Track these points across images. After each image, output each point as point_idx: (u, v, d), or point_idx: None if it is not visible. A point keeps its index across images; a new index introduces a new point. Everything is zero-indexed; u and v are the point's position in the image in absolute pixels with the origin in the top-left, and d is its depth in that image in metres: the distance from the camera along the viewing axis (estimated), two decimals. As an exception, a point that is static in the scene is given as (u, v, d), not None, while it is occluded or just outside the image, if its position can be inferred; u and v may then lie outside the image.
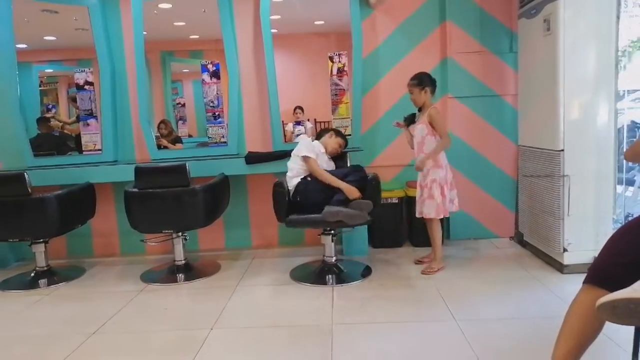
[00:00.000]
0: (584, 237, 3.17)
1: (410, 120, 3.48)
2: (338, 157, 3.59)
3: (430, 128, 3.28)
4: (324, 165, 3.42)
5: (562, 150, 3.15)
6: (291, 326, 2.66)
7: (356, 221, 3.13)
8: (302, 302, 2.99)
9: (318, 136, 3.60)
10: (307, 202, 3.24)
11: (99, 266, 3.96)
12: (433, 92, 3.36)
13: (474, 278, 3.24)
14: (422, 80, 3.33)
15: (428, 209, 3.31)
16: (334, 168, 3.49)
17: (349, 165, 3.56)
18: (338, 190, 3.20)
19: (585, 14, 3.07)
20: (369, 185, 3.26)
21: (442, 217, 3.33)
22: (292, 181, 3.34)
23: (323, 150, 3.46)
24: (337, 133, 3.58)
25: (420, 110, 3.40)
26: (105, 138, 4.02)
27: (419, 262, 3.56)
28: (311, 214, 3.18)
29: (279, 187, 3.29)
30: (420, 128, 3.32)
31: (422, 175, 3.35)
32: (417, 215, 3.42)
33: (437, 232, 3.37)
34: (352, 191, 3.17)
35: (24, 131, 3.98)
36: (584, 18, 3.07)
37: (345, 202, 3.16)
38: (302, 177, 3.32)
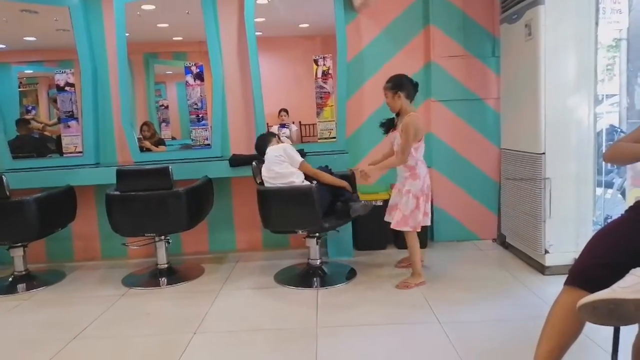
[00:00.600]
0: (565, 239, 3.21)
1: (389, 125, 3.26)
2: None
3: None
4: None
5: (543, 153, 3.19)
6: (276, 330, 2.64)
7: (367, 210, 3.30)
8: (286, 305, 2.98)
9: (263, 144, 3.38)
10: (321, 206, 3.17)
11: (80, 270, 3.90)
12: (410, 96, 3.11)
13: (457, 280, 3.26)
14: (396, 84, 3.10)
15: (395, 216, 3.17)
16: None
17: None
18: (341, 189, 3.30)
19: (565, 19, 3.12)
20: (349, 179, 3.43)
21: (414, 230, 3.14)
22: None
23: None
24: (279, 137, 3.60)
25: (398, 115, 3.19)
26: (87, 140, 3.96)
27: (401, 266, 3.53)
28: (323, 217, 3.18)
29: (313, 195, 3.09)
30: (396, 136, 3.15)
31: (401, 180, 3.22)
32: (385, 218, 3.35)
33: (414, 245, 3.15)
34: (347, 185, 3.33)
35: (2, 133, 3.91)
36: (564, 23, 3.12)
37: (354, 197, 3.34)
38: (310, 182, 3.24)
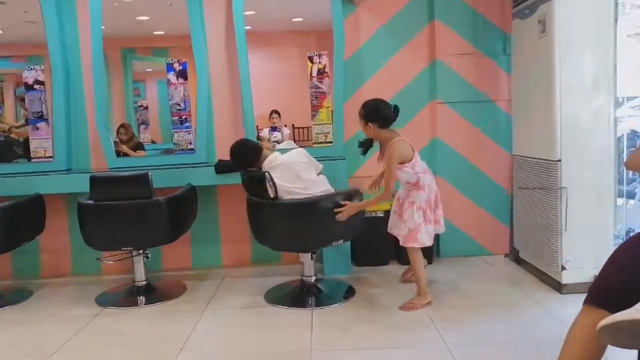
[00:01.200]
0: (583, 254, 3.22)
1: (368, 145, 3.26)
2: None
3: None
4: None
5: (559, 160, 3.21)
6: (266, 354, 2.63)
7: None
8: (278, 327, 2.97)
9: (253, 156, 3.29)
10: None
11: (48, 288, 3.88)
12: (385, 126, 3.10)
13: (465, 299, 3.26)
14: (368, 113, 3.10)
15: (399, 231, 3.21)
16: None
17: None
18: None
19: (581, 15, 3.15)
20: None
21: (424, 245, 3.15)
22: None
23: None
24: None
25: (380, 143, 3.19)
26: (57, 144, 3.95)
27: (407, 279, 3.54)
28: None
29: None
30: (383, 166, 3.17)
31: (405, 191, 3.23)
32: (388, 229, 3.40)
33: (417, 262, 3.16)
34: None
35: (-36, 135, 3.89)
36: (580, 19, 3.16)
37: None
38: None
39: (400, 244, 3.23)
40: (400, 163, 3.06)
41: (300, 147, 3.63)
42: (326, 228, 3.17)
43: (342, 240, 3.31)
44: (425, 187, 3.15)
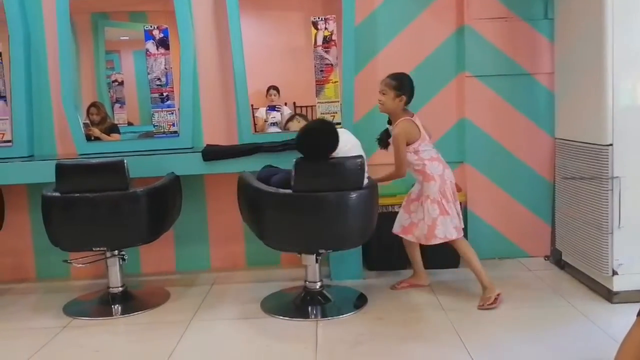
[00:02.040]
0: (639, 256, 3.20)
1: (387, 137, 3.53)
2: None
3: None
4: None
5: (611, 144, 3.19)
6: (262, 373, 2.65)
7: None
8: (277, 342, 2.98)
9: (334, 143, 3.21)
10: None
11: (8, 295, 3.90)
12: (409, 101, 3.40)
13: (498, 309, 3.26)
14: (403, 85, 3.36)
15: (421, 230, 3.39)
16: None
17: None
18: None
19: (640, -30, 3.13)
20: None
21: (449, 239, 3.35)
22: None
23: None
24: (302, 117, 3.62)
25: (389, 122, 3.47)
26: (17, 126, 3.95)
27: (401, 287, 3.64)
28: None
29: None
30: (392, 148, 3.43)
31: (417, 186, 3.46)
32: (397, 232, 3.56)
33: (467, 254, 3.40)
34: None
35: None
36: (638, -24, 3.13)
37: None
38: None
39: (423, 243, 3.41)
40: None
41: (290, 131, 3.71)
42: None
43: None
44: (436, 176, 3.33)
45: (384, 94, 3.38)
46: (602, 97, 3.21)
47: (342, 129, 3.41)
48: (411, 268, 3.78)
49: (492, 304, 3.26)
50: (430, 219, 3.33)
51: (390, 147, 3.47)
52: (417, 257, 3.63)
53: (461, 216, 3.45)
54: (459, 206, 3.44)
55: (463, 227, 3.46)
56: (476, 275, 3.37)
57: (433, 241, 3.35)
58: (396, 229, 3.57)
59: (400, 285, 3.65)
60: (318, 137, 3.19)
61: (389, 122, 3.50)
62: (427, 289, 3.60)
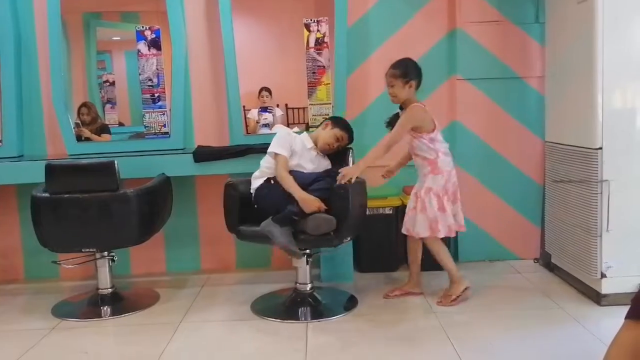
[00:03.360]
0: (628, 259, 3.22)
1: (396, 122, 3.40)
2: (338, 155, 3.53)
3: (411, 131, 3.31)
4: (308, 164, 3.39)
5: (600, 148, 3.20)
6: (252, 375, 2.64)
7: (288, 248, 3.14)
8: (267, 344, 2.98)
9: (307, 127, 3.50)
10: (263, 210, 3.25)
11: (-4, 296, 3.88)
12: (418, 86, 3.35)
13: (488, 311, 3.27)
14: (408, 71, 3.30)
15: (420, 226, 3.34)
16: (329, 167, 3.47)
17: (351, 165, 3.47)
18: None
19: (630, -24, 3.15)
20: (333, 195, 3.17)
21: (444, 236, 3.35)
22: (255, 183, 3.36)
23: (310, 144, 3.45)
24: (336, 123, 3.50)
25: (402, 108, 3.39)
26: (7, 126, 3.94)
27: (394, 295, 3.54)
28: None
29: (231, 190, 3.35)
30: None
31: (421, 179, 3.39)
32: (403, 230, 3.50)
33: (440, 252, 3.39)
34: (308, 203, 3.12)
35: None
36: (628, -19, 3.15)
37: (300, 214, 3.13)
38: (266, 179, 3.32)
39: (420, 236, 3.37)
40: (416, 131, 3.28)
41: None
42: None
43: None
44: (445, 172, 3.30)
45: (392, 85, 3.30)
46: (592, 101, 3.22)
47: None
48: (401, 270, 3.78)
49: (453, 302, 3.32)
50: (432, 213, 3.29)
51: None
52: (418, 260, 3.52)
53: (462, 218, 3.43)
54: (459, 208, 3.41)
55: (460, 230, 3.46)
56: (448, 271, 3.39)
57: (438, 235, 3.32)
58: (405, 229, 3.49)
59: (393, 294, 3.54)
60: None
61: (401, 108, 3.40)
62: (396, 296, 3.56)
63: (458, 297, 3.35)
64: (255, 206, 3.34)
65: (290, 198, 3.17)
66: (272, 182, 3.29)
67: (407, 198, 3.87)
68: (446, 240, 3.51)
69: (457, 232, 3.49)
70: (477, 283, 3.72)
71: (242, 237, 3.35)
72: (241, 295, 3.67)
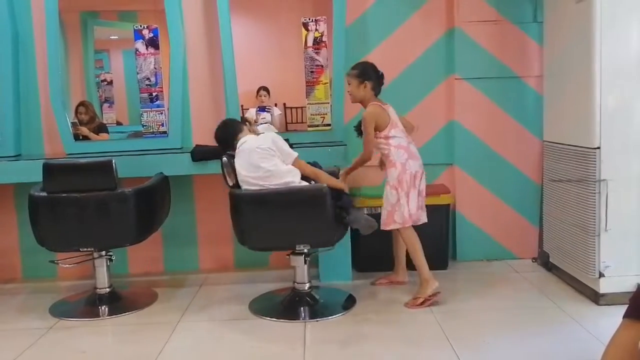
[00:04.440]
0: (626, 258, 3.22)
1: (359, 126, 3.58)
2: None
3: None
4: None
5: (598, 147, 3.21)
6: (250, 374, 2.64)
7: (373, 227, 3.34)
8: (265, 343, 2.98)
9: (230, 135, 3.39)
10: None
11: (-6, 295, 3.88)
12: (375, 88, 3.44)
13: (486, 311, 3.27)
14: (364, 72, 3.43)
15: (382, 216, 3.46)
16: None
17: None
18: (338, 191, 3.31)
19: (628, -25, 3.15)
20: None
21: (405, 225, 3.40)
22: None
23: None
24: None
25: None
26: (5, 125, 3.93)
27: (379, 283, 3.72)
28: None
29: (326, 200, 3.20)
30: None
31: None
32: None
33: (412, 244, 3.42)
34: (344, 186, 3.40)
35: None
36: (626, -19, 3.15)
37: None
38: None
39: (381, 228, 3.43)
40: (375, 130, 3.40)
41: (290, 130, 3.72)
42: (266, 226, 3.24)
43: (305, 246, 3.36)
44: (397, 164, 3.38)
45: (349, 84, 3.47)
46: (589, 101, 3.22)
47: (271, 134, 3.38)
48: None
49: (420, 305, 3.31)
50: (389, 205, 3.39)
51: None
52: (401, 252, 3.66)
53: (423, 207, 3.48)
54: (422, 200, 3.48)
55: (424, 220, 3.49)
56: (418, 267, 3.39)
57: (392, 226, 3.40)
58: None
59: (378, 282, 3.75)
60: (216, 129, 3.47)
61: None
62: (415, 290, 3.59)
63: (426, 300, 3.32)
64: None
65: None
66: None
67: (405, 197, 3.89)
68: (445, 240, 3.53)
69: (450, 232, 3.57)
70: (475, 283, 3.74)
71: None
72: (239, 294, 3.66)
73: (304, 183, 3.25)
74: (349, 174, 3.56)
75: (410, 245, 3.44)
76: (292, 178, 3.22)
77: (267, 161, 3.20)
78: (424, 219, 3.50)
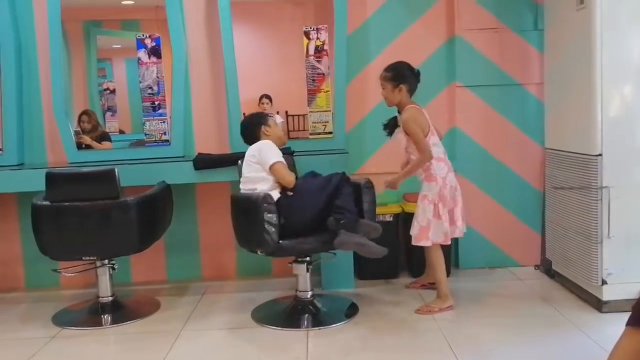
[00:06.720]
0: (629, 265, 3.22)
1: (394, 125, 3.49)
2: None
3: (406, 134, 3.34)
4: None
5: (600, 155, 3.21)
6: (253, 383, 2.64)
7: (372, 254, 3.17)
8: (267, 351, 2.98)
9: (252, 132, 3.46)
10: (293, 223, 3.20)
11: (-3, 304, 3.88)
12: (412, 89, 3.36)
13: (489, 318, 3.27)
14: (399, 74, 3.33)
15: (413, 230, 3.40)
16: None
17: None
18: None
19: (628, -17, 3.16)
20: (363, 192, 3.38)
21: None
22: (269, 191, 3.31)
23: None
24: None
25: (399, 111, 3.41)
26: (7, 134, 3.94)
27: (413, 286, 3.72)
28: (299, 236, 3.19)
29: (266, 202, 3.14)
30: (399, 138, 3.43)
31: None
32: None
33: (437, 261, 3.38)
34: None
35: None
36: (627, -11, 3.16)
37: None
38: (280, 190, 3.30)
39: (412, 243, 3.41)
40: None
41: (292, 138, 3.78)
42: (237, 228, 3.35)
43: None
44: (439, 178, 3.31)
45: (383, 88, 3.36)
46: (591, 108, 3.23)
47: (264, 141, 3.39)
48: (402, 277, 3.79)
49: (431, 312, 3.33)
50: (425, 220, 3.31)
51: (393, 136, 3.51)
52: None
53: (463, 223, 3.44)
54: (458, 212, 3.40)
55: (460, 236, 3.49)
56: (438, 283, 3.39)
57: (423, 243, 3.33)
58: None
59: (412, 285, 3.79)
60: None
61: (399, 112, 3.42)
62: (419, 298, 3.59)
63: (439, 310, 3.34)
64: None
65: (316, 204, 3.20)
66: (289, 193, 3.28)
67: (408, 205, 3.89)
68: (447, 246, 3.52)
69: (452, 240, 3.49)
70: (478, 290, 3.73)
71: (281, 254, 3.32)
72: (242, 303, 3.66)
73: (272, 191, 3.23)
74: (402, 178, 3.40)
75: (436, 262, 3.38)
76: (259, 186, 3.26)
77: (247, 167, 3.34)
78: (458, 234, 3.45)
